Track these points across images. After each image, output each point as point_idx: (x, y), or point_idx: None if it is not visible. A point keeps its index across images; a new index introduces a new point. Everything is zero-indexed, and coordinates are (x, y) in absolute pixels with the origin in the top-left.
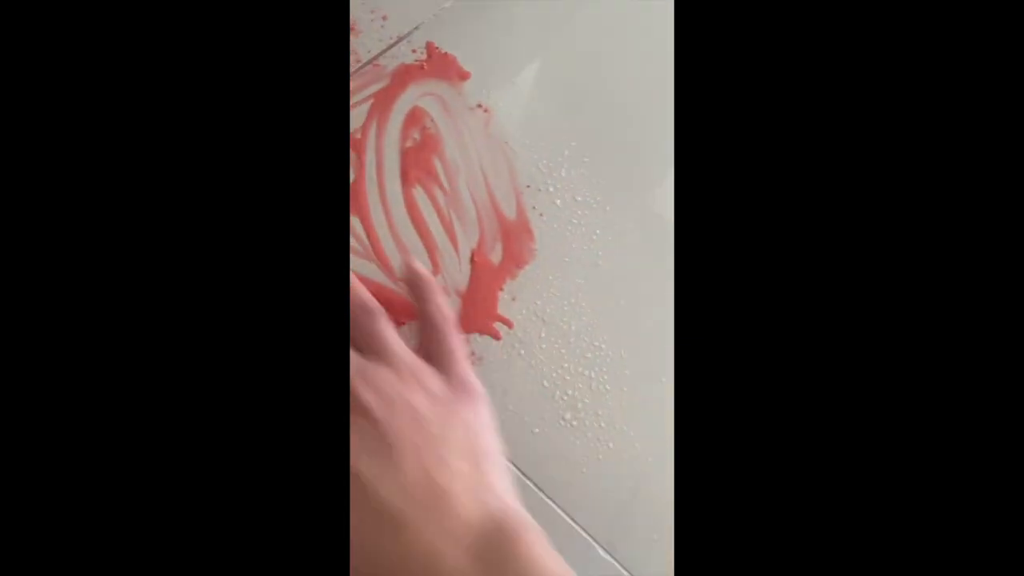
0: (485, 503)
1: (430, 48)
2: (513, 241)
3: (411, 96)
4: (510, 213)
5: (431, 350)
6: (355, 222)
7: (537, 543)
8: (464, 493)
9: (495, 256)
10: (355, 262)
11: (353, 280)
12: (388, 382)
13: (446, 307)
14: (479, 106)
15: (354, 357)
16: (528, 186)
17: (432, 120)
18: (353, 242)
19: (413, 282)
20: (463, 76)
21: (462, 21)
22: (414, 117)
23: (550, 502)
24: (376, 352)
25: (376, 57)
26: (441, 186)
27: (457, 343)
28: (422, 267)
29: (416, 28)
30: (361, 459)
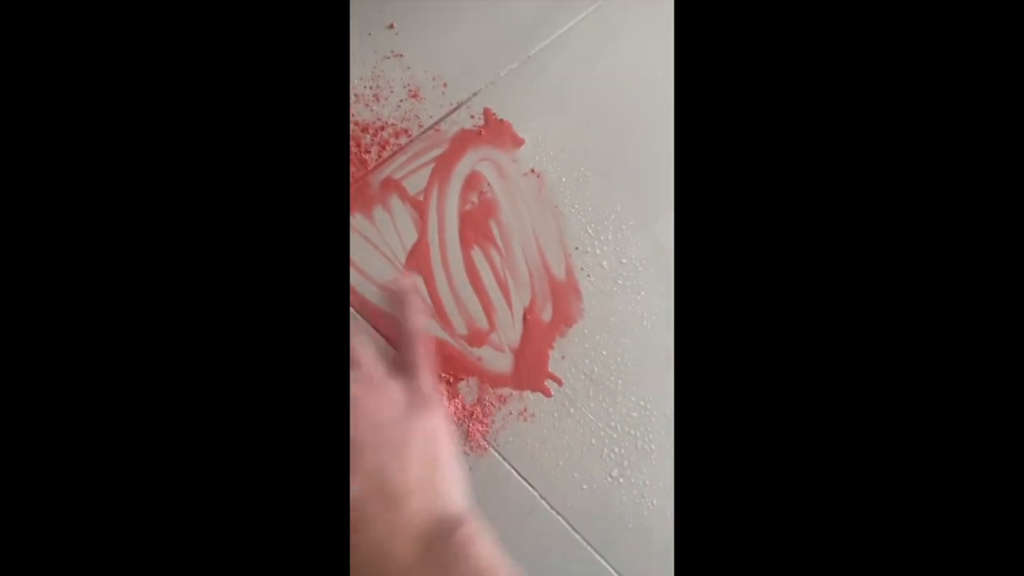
0: (436, 506)
1: (487, 114)
2: (562, 301)
3: (469, 161)
4: (560, 274)
5: (401, 361)
6: (419, 281)
7: (475, 537)
8: (418, 499)
9: (546, 315)
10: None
11: None
12: (357, 390)
13: (416, 322)
14: (532, 171)
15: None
16: (576, 248)
17: (489, 184)
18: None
19: (392, 298)
20: (517, 143)
21: (518, 88)
22: (472, 181)
23: (598, 557)
24: (353, 362)
25: (437, 123)
26: (497, 248)
27: (421, 357)
28: (404, 283)
29: (474, 95)
30: None
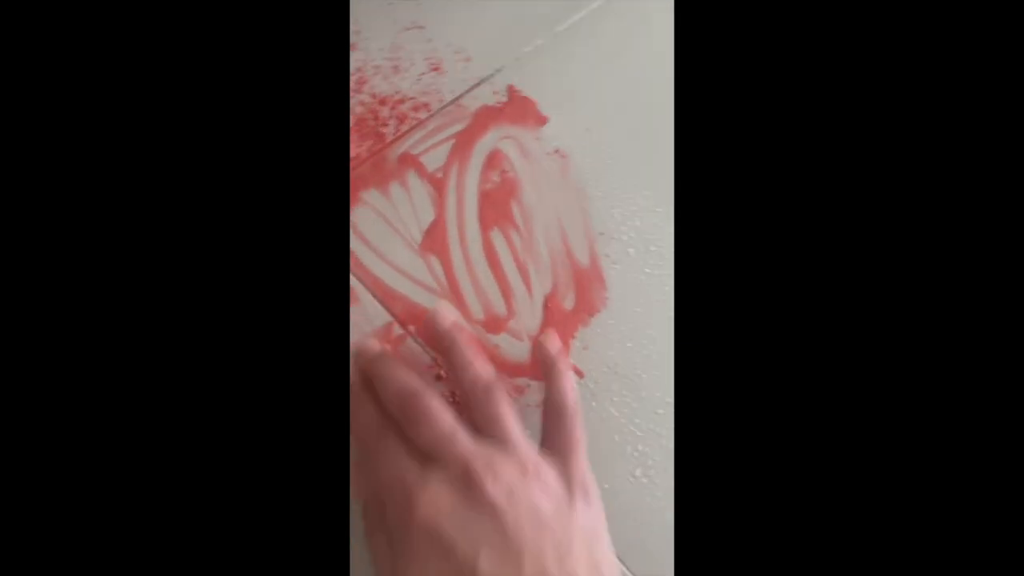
0: None
1: (511, 91)
2: (586, 288)
3: (491, 139)
4: (583, 260)
5: (553, 437)
6: (434, 261)
7: None
8: None
9: (568, 303)
10: (432, 299)
11: (473, 352)
12: (511, 476)
13: (575, 393)
14: (556, 151)
15: (476, 440)
16: (602, 234)
17: (511, 164)
18: (431, 280)
19: (544, 362)
20: (541, 121)
21: (543, 65)
22: (494, 160)
23: (619, 561)
24: (495, 437)
25: (459, 98)
26: (518, 230)
27: (581, 434)
28: (555, 345)
29: (498, 71)
30: (482, 553)
